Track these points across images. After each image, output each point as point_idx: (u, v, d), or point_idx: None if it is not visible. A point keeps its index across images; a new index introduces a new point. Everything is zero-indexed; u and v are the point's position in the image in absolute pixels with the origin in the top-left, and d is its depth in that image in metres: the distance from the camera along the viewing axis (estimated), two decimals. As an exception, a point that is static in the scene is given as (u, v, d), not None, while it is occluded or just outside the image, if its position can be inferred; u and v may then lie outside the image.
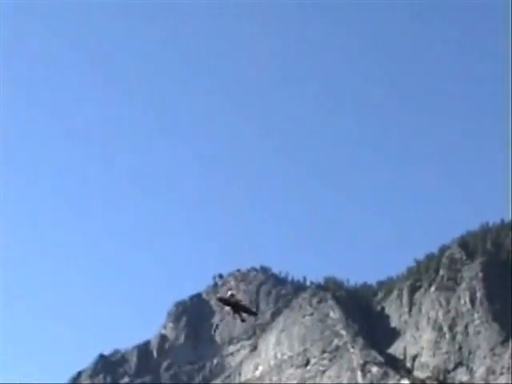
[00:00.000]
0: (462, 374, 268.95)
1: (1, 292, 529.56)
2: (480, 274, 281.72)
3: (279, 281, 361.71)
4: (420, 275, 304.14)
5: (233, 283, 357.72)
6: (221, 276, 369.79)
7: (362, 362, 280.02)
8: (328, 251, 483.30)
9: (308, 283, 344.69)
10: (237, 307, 70.08)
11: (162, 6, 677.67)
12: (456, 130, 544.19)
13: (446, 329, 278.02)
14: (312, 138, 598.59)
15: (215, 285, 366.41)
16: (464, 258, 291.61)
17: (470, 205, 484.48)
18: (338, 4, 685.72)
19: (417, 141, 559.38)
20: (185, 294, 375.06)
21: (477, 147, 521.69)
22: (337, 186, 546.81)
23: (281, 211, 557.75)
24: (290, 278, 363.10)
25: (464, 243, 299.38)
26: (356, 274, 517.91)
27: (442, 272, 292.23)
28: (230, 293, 71.43)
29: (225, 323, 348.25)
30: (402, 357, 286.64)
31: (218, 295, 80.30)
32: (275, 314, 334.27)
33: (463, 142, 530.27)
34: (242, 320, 71.00)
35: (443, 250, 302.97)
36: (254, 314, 74.32)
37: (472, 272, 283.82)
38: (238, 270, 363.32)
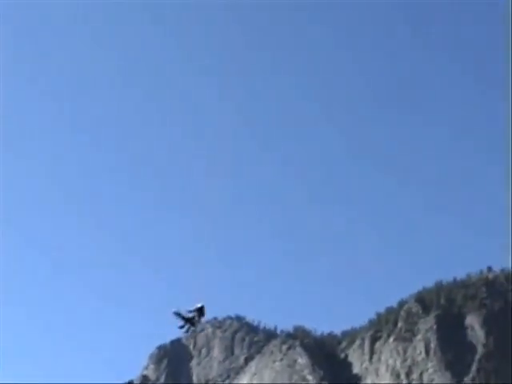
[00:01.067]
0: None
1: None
2: (434, 327, 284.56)
3: (252, 329, 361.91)
4: (380, 326, 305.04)
5: (210, 330, 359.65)
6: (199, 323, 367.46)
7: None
8: (297, 303, 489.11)
9: (279, 331, 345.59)
10: (191, 321, 69.93)
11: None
12: (410, 196, 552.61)
13: (403, 376, 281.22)
14: (280, 195, 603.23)
15: (194, 331, 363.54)
16: (420, 311, 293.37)
17: (425, 264, 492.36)
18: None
19: (376, 205, 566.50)
20: (166, 338, 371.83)
21: (432, 210, 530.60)
22: (305, 243, 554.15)
23: (255, 266, 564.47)
24: (262, 327, 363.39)
25: (420, 298, 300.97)
26: (322, 324, 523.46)
27: (400, 324, 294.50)
28: (199, 305, 70.89)
29: (202, 366, 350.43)
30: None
31: (175, 310, 70.52)
32: (248, 359, 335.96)
33: (418, 204, 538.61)
34: (189, 329, 70.76)
35: (402, 304, 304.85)
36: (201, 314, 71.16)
37: (427, 324, 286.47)
38: (215, 318, 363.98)
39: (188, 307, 68.84)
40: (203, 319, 69.97)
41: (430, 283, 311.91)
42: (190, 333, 72.19)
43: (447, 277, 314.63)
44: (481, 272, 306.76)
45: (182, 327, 70.12)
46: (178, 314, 69.29)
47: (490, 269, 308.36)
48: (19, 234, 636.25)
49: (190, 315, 68.75)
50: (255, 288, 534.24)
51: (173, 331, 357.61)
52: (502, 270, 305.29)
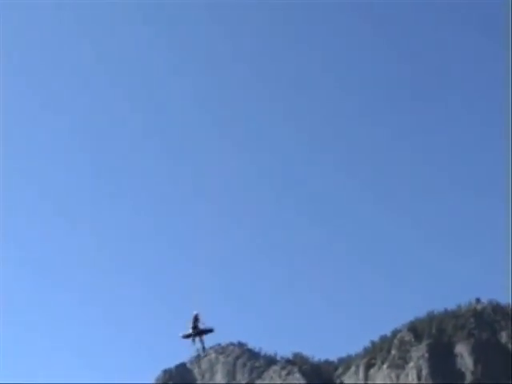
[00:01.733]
0: None
1: None
2: (426, 355, 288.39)
3: (254, 355, 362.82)
4: (375, 354, 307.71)
5: (213, 355, 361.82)
6: (203, 348, 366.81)
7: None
8: (297, 331, 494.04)
9: (278, 358, 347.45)
10: (196, 334, 74.71)
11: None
12: (405, 230, 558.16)
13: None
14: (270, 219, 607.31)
15: (198, 356, 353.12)
16: (412, 340, 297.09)
17: (418, 295, 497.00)
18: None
19: (371, 237, 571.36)
20: (171, 363, 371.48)
21: (425, 243, 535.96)
22: (304, 273, 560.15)
23: (255, 296, 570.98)
24: (263, 353, 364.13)
25: (413, 328, 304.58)
26: (320, 351, 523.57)
27: (393, 352, 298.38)
28: (195, 313, 75.35)
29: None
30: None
31: (181, 334, 75.71)
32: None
33: (412, 238, 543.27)
34: (201, 340, 74.54)
35: (395, 333, 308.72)
36: (210, 331, 75.77)
37: (419, 352, 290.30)
38: (219, 344, 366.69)
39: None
40: (202, 326, 75.46)
41: (422, 313, 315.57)
42: (200, 343, 77.03)
43: (438, 307, 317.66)
44: (470, 303, 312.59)
45: (188, 337, 75.73)
46: (186, 336, 75.45)
47: (478, 300, 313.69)
48: (18, 251, 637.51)
49: (191, 329, 74.99)
50: (256, 317, 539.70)
51: (178, 355, 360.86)
52: (490, 302, 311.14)
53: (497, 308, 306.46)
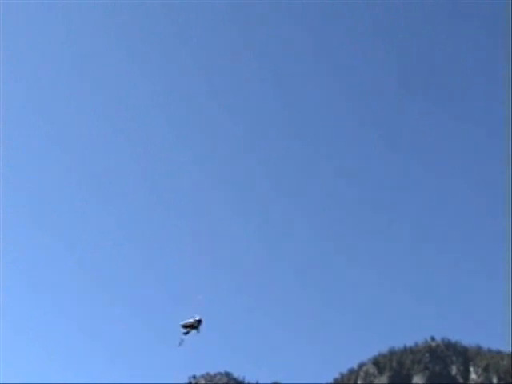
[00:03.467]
0: None
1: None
2: None
3: (238, 383, 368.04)
4: None
5: (203, 382, 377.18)
6: (194, 377, 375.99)
7: None
8: (277, 362, 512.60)
9: None
10: (193, 327, 77.89)
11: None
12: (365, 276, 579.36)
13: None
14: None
15: (189, 383, 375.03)
16: (376, 372, 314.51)
17: (381, 334, 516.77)
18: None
19: (341, 283, 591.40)
20: None
21: (385, 291, 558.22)
22: (280, 314, 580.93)
23: (240, 331, 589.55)
24: (246, 381, 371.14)
25: (376, 362, 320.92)
26: (296, 381, 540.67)
27: (359, 382, 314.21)
28: (197, 317, 78.74)
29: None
30: None
31: (182, 323, 78.49)
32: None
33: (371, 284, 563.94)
34: (196, 329, 76.94)
35: (361, 365, 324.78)
36: (199, 321, 77.54)
37: (381, 383, 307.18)
38: (208, 373, 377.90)
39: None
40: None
41: (384, 349, 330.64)
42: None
43: (398, 344, 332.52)
44: (425, 341, 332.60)
45: (187, 327, 79.48)
46: (186, 326, 78.84)
47: (433, 338, 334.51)
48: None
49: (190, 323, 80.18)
50: (242, 349, 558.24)
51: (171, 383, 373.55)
52: (443, 340, 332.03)
53: (449, 345, 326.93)
